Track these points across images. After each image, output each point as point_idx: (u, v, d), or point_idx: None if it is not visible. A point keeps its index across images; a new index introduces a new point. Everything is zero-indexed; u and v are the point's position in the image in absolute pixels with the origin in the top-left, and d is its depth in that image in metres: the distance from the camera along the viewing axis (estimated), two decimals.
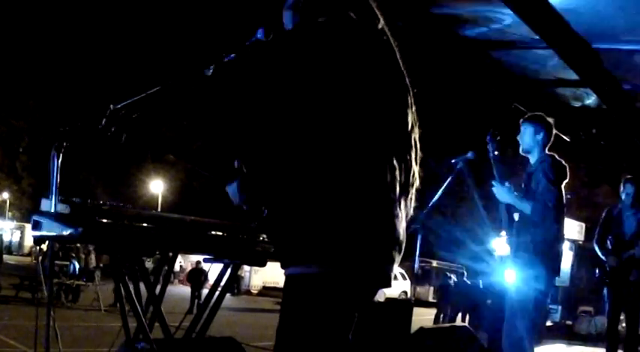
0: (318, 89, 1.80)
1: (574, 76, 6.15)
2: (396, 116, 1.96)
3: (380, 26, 2.01)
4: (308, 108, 1.79)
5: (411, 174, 2.00)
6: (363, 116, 1.84)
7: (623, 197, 6.21)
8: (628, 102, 6.85)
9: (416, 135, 2.03)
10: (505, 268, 4.53)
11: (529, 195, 4.39)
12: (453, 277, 17.91)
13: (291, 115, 1.79)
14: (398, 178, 1.92)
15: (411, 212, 2.02)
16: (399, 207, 1.92)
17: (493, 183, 4.44)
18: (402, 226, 1.92)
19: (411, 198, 2.01)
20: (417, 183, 2.04)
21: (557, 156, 4.40)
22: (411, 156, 2.00)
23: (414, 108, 2.03)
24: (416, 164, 2.02)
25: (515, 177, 4.80)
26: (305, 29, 1.92)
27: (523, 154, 4.49)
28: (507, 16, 5.09)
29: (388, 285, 1.90)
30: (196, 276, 17.98)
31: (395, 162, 1.91)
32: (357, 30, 1.91)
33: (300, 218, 1.81)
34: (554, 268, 4.33)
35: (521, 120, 4.50)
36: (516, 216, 4.46)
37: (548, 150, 4.47)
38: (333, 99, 1.80)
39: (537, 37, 5.26)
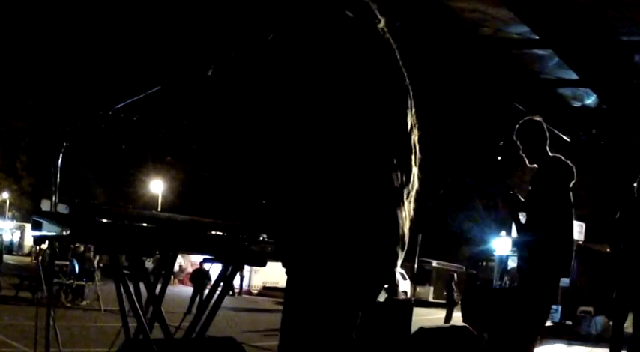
0: (319, 88, 1.80)
1: (574, 76, 6.14)
2: (396, 117, 1.96)
3: (380, 26, 2.01)
4: (308, 109, 1.80)
5: (411, 175, 2.00)
6: (363, 116, 1.84)
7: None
8: (628, 102, 6.84)
9: (415, 136, 2.03)
10: (506, 268, 4.54)
11: (533, 199, 4.41)
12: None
13: (293, 116, 1.80)
14: (399, 179, 1.92)
15: (412, 213, 2.02)
16: (402, 207, 1.92)
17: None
18: (406, 225, 1.92)
19: (410, 200, 2.01)
20: (416, 185, 2.03)
21: (562, 158, 4.41)
22: (410, 157, 2.00)
23: (413, 110, 2.03)
24: (415, 166, 2.02)
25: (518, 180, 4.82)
26: (303, 29, 1.92)
27: (531, 166, 4.52)
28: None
29: (392, 281, 1.90)
30: (199, 277, 17.92)
31: (395, 162, 1.91)
32: (354, 29, 1.91)
33: (303, 216, 1.81)
34: (558, 270, 4.33)
35: (514, 137, 4.53)
36: (522, 218, 4.49)
37: (551, 151, 4.48)
38: (333, 99, 1.81)
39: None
